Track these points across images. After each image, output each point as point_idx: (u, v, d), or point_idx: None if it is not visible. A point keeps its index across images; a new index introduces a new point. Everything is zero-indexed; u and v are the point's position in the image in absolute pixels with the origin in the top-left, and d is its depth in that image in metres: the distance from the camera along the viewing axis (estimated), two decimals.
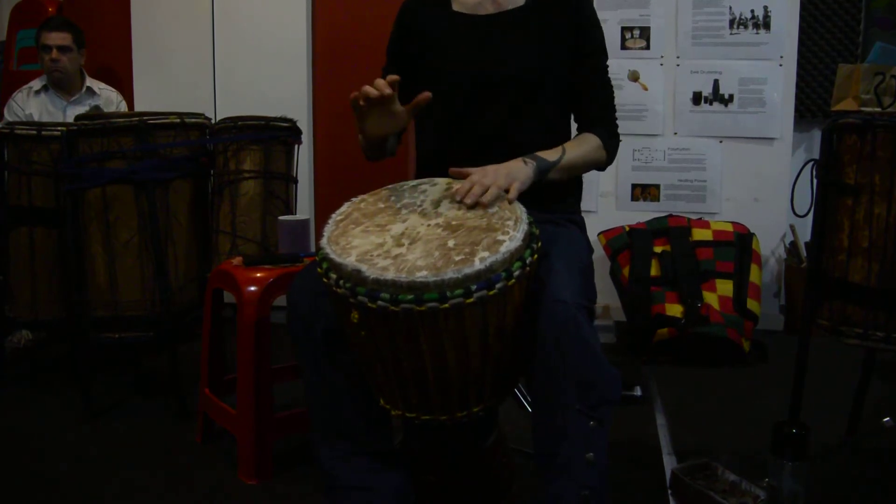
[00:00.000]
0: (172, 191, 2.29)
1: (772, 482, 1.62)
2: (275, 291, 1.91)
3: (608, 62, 1.61)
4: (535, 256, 1.25)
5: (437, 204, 1.35)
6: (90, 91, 3.29)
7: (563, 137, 1.58)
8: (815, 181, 1.84)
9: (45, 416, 2.31)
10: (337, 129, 3.46)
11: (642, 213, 3.27)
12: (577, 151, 1.52)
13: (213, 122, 2.45)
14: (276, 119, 2.43)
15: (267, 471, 1.89)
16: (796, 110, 3.34)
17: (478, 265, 1.16)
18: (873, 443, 2.09)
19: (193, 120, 2.33)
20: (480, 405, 1.32)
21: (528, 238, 1.25)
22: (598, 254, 2.90)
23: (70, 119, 2.56)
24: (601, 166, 1.58)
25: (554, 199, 1.58)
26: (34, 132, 2.36)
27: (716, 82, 3.25)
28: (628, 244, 3.05)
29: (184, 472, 1.94)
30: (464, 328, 1.19)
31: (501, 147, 1.52)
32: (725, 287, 2.90)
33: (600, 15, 1.63)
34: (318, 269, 1.27)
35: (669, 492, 1.76)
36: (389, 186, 1.45)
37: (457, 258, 1.18)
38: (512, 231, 1.23)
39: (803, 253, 3.23)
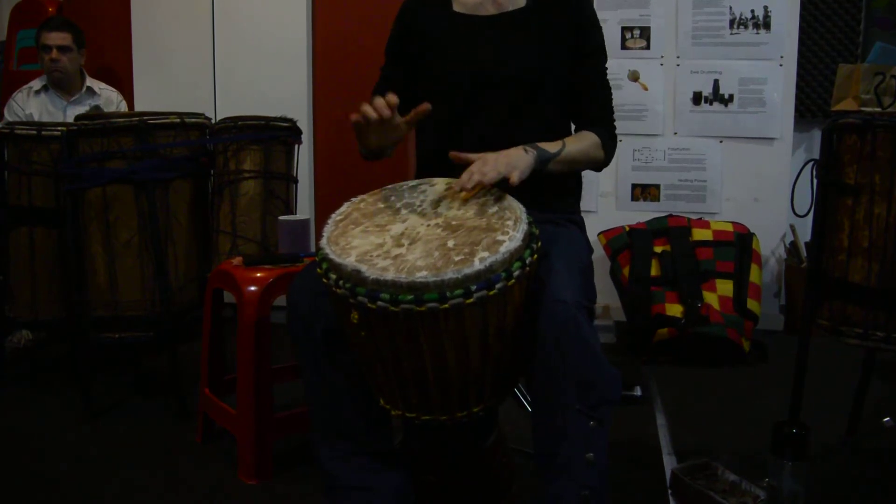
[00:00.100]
0: (172, 191, 2.29)
1: (772, 482, 1.62)
2: (275, 291, 1.91)
3: (608, 63, 1.61)
4: (535, 256, 1.25)
5: (436, 204, 1.35)
6: (90, 91, 3.29)
7: (563, 137, 1.58)
8: (815, 181, 1.84)
9: (45, 416, 2.31)
10: (337, 129, 3.46)
11: (642, 213, 3.27)
12: (577, 146, 1.52)
13: (213, 122, 2.45)
14: (276, 119, 2.43)
15: (267, 471, 1.89)
16: (796, 110, 3.34)
17: (477, 265, 1.16)
18: (873, 443, 2.09)
19: (193, 120, 2.33)
20: (480, 405, 1.32)
21: (528, 238, 1.25)
22: (598, 254, 2.90)
23: (70, 119, 2.56)
24: (598, 165, 1.58)
25: (554, 199, 1.58)
26: (34, 132, 2.36)
27: (716, 82, 3.25)
28: (628, 244, 3.05)
29: (184, 472, 1.94)
30: (464, 328, 1.19)
31: (501, 147, 1.52)
32: (725, 287, 2.90)
33: (600, 15, 1.63)
34: (318, 270, 1.27)
35: (669, 492, 1.76)
36: (389, 186, 1.45)
37: (456, 258, 1.18)
38: (511, 231, 1.23)
39: (803, 253, 3.23)
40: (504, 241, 1.20)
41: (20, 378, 2.66)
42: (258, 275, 1.92)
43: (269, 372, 1.90)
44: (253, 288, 1.90)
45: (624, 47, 3.30)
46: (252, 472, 1.88)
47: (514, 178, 1.34)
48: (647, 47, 3.29)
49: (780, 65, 3.20)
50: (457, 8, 1.61)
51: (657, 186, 3.34)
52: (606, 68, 1.61)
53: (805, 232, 2.96)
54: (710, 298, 2.86)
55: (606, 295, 3.16)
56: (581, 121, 1.61)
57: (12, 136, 2.38)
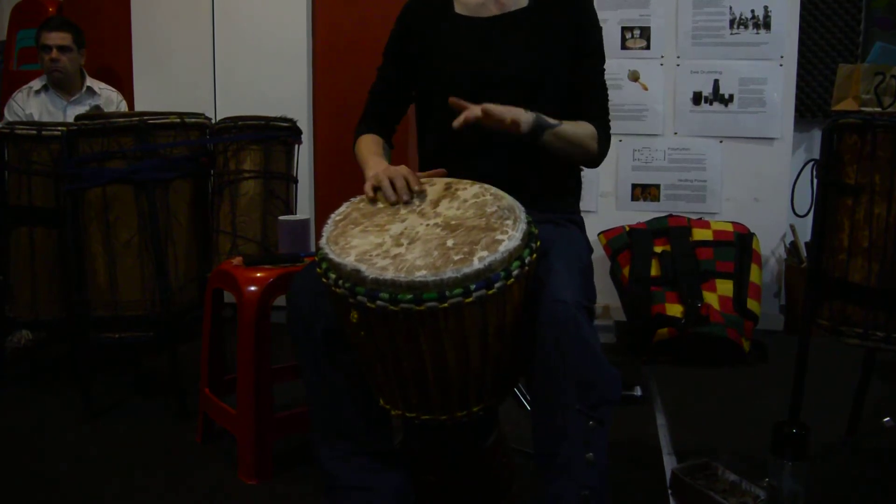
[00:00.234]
0: (172, 191, 2.29)
1: (772, 482, 1.61)
2: (275, 291, 1.91)
3: (607, 63, 1.62)
4: (534, 256, 1.25)
5: (435, 204, 1.35)
6: (90, 91, 3.29)
7: None
8: (815, 181, 1.84)
9: (45, 416, 2.31)
10: (337, 129, 3.45)
11: (642, 213, 3.27)
12: (574, 129, 1.53)
13: (213, 122, 2.45)
14: (276, 119, 2.43)
15: (267, 471, 1.89)
16: (796, 110, 3.34)
17: (477, 265, 1.16)
18: (873, 443, 2.09)
19: (193, 120, 2.32)
20: (480, 405, 1.32)
21: (527, 237, 1.25)
22: (598, 254, 2.90)
23: (70, 119, 2.56)
24: (590, 158, 1.58)
25: (554, 199, 1.58)
26: (34, 132, 2.36)
27: (716, 82, 3.25)
28: (628, 244, 3.05)
29: (184, 472, 1.94)
30: (463, 328, 1.19)
31: (502, 147, 1.53)
32: (725, 287, 2.90)
33: (600, 15, 1.63)
34: (318, 269, 1.27)
35: (669, 492, 1.76)
36: None
37: (456, 258, 1.18)
38: (511, 230, 1.23)
39: (803, 253, 3.23)
40: (503, 241, 1.20)
41: (20, 378, 2.66)
42: (258, 275, 1.92)
43: (269, 372, 1.90)
44: (253, 288, 1.90)
45: (624, 47, 3.30)
46: (252, 472, 1.87)
47: (514, 122, 1.40)
48: (647, 47, 3.29)
49: (780, 65, 3.20)
50: (458, 9, 1.61)
51: (657, 186, 3.34)
52: (604, 69, 1.61)
53: (805, 232, 2.96)
54: (710, 298, 2.86)
55: (606, 295, 3.16)
56: (577, 120, 1.61)
57: (12, 136, 2.38)
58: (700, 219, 3.16)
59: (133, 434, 2.17)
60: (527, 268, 1.22)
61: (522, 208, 1.30)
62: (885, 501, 1.80)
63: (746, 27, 3.21)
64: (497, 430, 1.59)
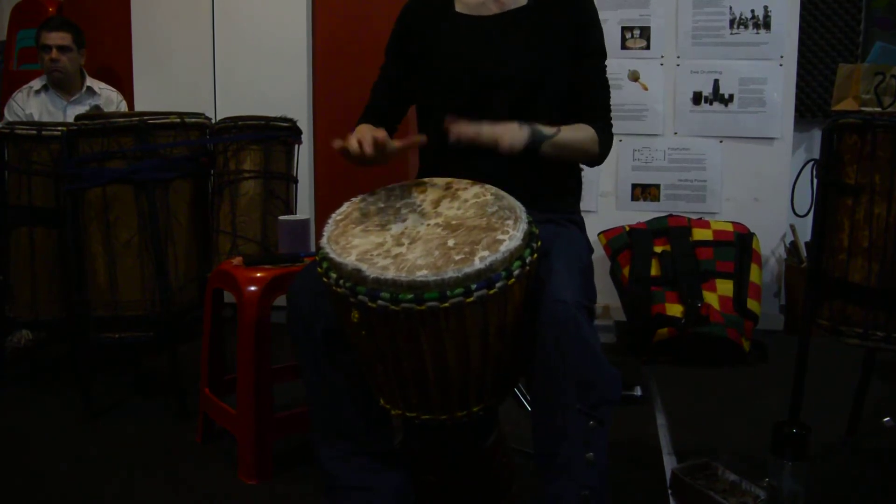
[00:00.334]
0: (172, 191, 2.29)
1: (772, 482, 1.62)
2: (275, 291, 1.91)
3: (606, 63, 1.61)
4: (535, 256, 1.25)
5: (436, 203, 1.35)
6: (90, 91, 3.29)
7: None
8: (815, 181, 1.84)
9: (45, 416, 2.31)
10: (337, 129, 3.44)
11: (642, 213, 3.27)
12: (573, 135, 1.52)
13: (213, 122, 2.45)
14: (276, 119, 2.43)
15: (267, 471, 1.89)
16: (796, 110, 3.34)
17: (478, 264, 1.16)
18: (873, 443, 2.09)
19: (193, 120, 2.32)
20: (480, 405, 1.32)
21: (528, 237, 1.25)
22: (598, 254, 2.89)
23: (70, 119, 2.56)
24: (592, 160, 1.58)
25: (554, 199, 1.58)
26: (34, 132, 2.36)
27: (716, 82, 3.25)
28: (628, 244, 3.05)
29: (184, 472, 1.94)
30: (464, 327, 1.19)
31: None
32: (725, 287, 2.90)
33: (600, 15, 1.63)
34: (318, 269, 1.27)
35: (669, 492, 1.76)
36: (389, 186, 1.45)
37: (457, 257, 1.18)
38: (511, 230, 1.23)
39: (803, 253, 3.23)
40: (504, 241, 1.20)
41: (20, 378, 2.65)
42: (258, 275, 1.92)
43: (269, 372, 1.90)
44: (253, 288, 1.90)
45: (624, 47, 3.30)
46: (252, 472, 1.87)
47: (505, 143, 1.39)
48: (647, 47, 3.29)
49: (780, 65, 3.20)
50: (459, 8, 1.61)
51: (657, 186, 3.34)
52: (605, 67, 1.61)
53: (805, 232, 2.96)
54: (710, 298, 2.86)
55: (606, 295, 3.16)
56: (579, 120, 1.61)
57: (12, 136, 2.38)
58: (700, 219, 3.16)
59: (133, 434, 2.17)
60: (528, 268, 1.22)
61: (523, 208, 1.30)
62: (885, 501, 1.80)
63: (746, 27, 3.21)
64: (497, 430, 1.59)
